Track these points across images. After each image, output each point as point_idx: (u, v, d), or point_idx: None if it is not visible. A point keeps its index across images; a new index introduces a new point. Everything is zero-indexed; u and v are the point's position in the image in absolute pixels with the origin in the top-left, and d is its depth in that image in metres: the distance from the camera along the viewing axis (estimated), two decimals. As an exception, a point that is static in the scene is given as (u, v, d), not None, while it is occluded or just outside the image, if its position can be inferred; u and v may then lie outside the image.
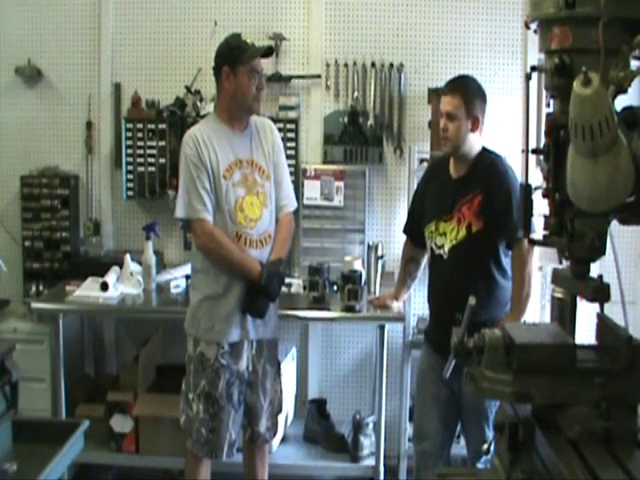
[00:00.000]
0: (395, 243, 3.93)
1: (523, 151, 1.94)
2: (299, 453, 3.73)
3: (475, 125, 2.87)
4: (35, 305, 3.56)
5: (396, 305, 3.37)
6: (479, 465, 2.69)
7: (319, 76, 3.98)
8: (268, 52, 3.01)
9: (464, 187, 2.89)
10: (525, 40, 3.86)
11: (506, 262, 2.88)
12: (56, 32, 4.09)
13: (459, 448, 3.27)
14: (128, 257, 3.69)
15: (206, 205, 2.87)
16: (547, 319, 1.94)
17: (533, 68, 1.63)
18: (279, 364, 3.21)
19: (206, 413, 2.94)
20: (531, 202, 1.68)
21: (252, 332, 2.96)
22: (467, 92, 2.88)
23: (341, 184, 3.95)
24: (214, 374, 2.93)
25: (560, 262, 1.64)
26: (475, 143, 2.91)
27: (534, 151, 1.66)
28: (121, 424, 3.61)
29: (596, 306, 1.61)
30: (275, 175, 3.04)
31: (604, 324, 1.63)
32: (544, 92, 1.63)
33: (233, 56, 2.87)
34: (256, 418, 3.06)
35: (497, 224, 2.80)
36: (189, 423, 2.98)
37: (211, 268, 2.93)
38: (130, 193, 4.01)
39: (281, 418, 3.32)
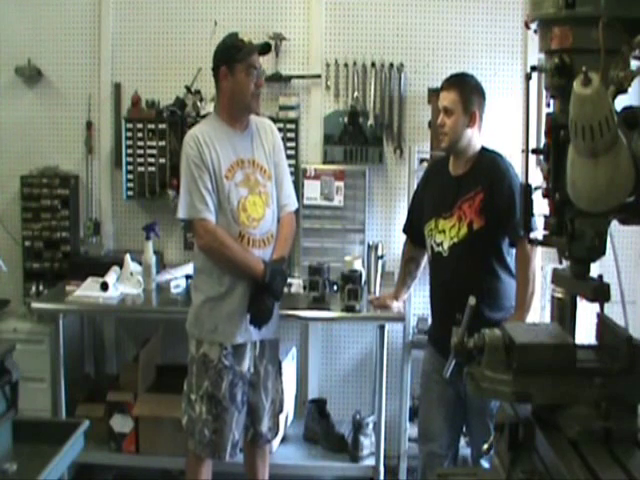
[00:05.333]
0: (395, 243, 3.93)
1: (523, 151, 1.94)
2: (299, 453, 3.73)
3: (472, 121, 2.88)
4: (35, 305, 3.56)
5: (396, 305, 3.37)
6: (485, 464, 2.69)
7: (319, 76, 3.98)
8: (265, 49, 3.00)
9: (465, 185, 2.89)
10: (525, 40, 3.86)
11: (509, 260, 2.88)
12: (56, 32, 4.09)
13: (460, 448, 3.26)
14: (128, 257, 3.69)
15: (208, 205, 2.87)
16: (547, 319, 1.94)
17: (533, 68, 1.63)
18: (280, 364, 3.22)
19: (209, 414, 2.94)
20: (531, 202, 1.68)
21: (254, 333, 2.96)
22: (464, 87, 2.89)
23: (341, 184, 3.95)
24: (217, 375, 2.92)
25: (560, 262, 1.64)
26: (474, 140, 2.92)
27: (534, 151, 1.66)
28: (121, 424, 3.61)
29: (596, 306, 1.61)
30: (276, 175, 3.04)
31: (604, 324, 1.63)
32: (544, 92, 1.63)
33: (230, 55, 2.87)
34: (258, 418, 3.06)
35: (499, 222, 2.81)
36: (192, 424, 2.98)
37: (214, 268, 2.93)
38: (130, 193, 4.01)
39: (281, 418, 3.32)
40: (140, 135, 3.96)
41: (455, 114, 2.86)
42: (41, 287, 3.93)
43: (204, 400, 2.94)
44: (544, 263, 3.43)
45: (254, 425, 3.07)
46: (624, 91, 1.45)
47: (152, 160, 3.97)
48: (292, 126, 3.96)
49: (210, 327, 2.93)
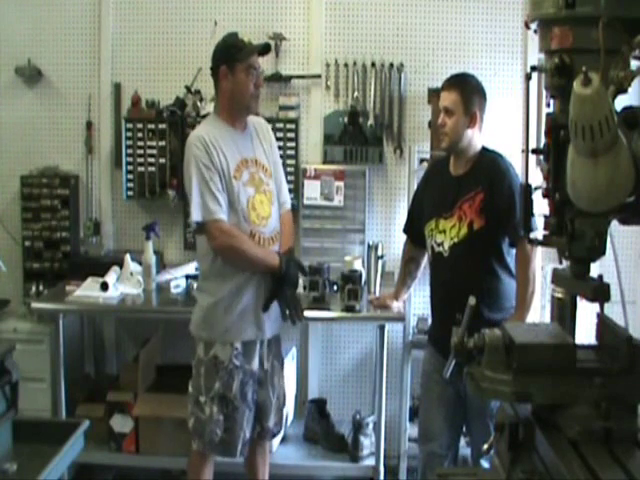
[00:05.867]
0: (395, 243, 3.93)
1: (523, 151, 1.94)
2: (299, 453, 3.73)
3: (473, 121, 2.88)
4: (35, 305, 3.56)
5: (396, 305, 3.37)
6: (485, 464, 2.69)
7: (319, 76, 3.98)
8: (265, 50, 3.01)
9: (465, 185, 2.89)
10: (525, 40, 3.86)
11: (509, 260, 2.88)
12: (56, 32, 4.09)
13: (461, 447, 3.26)
14: (128, 257, 3.69)
15: (221, 205, 2.86)
16: (547, 319, 1.94)
17: (533, 68, 1.63)
18: (283, 359, 3.23)
19: (220, 414, 2.93)
20: (531, 202, 1.68)
21: (267, 330, 2.97)
22: (465, 88, 2.89)
23: (341, 184, 3.95)
24: (228, 376, 2.91)
25: (560, 262, 1.64)
26: (474, 141, 2.92)
27: (534, 151, 1.66)
28: (121, 424, 3.61)
29: (596, 306, 1.61)
30: (275, 173, 3.05)
31: (604, 324, 1.63)
32: (544, 92, 1.63)
33: (230, 54, 2.87)
34: (265, 414, 3.07)
35: (500, 222, 2.81)
36: (200, 425, 2.96)
37: (223, 269, 2.91)
38: (130, 193, 4.01)
39: (284, 412, 3.32)
40: (140, 135, 3.96)
41: (456, 115, 2.86)
42: (41, 287, 3.93)
43: (215, 401, 2.93)
44: (544, 263, 3.43)
45: (261, 421, 3.07)
46: (624, 91, 1.44)
47: (152, 160, 3.96)
48: (292, 126, 3.96)
49: (222, 328, 2.92)
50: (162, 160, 3.96)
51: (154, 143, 3.95)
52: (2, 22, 4.11)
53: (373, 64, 3.95)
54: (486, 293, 2.78)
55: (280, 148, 3.48)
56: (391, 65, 3.95)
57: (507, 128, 3.77)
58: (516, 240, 2.79)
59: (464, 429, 3.07)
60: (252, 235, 2.92)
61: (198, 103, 3.92)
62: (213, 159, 2.85)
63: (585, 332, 1.80)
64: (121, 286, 3.58)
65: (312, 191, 3.95)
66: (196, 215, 2.86)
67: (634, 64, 1.48)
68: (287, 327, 3.06)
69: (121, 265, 3.67)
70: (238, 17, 4.00)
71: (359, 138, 3.95)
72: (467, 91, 2.88)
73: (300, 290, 3.56)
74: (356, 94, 3.97)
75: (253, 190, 2.94)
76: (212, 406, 2.93)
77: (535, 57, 3.57)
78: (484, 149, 2.95)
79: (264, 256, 2.92)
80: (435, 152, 3.61)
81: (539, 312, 3.61)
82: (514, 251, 2.87)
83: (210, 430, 2.94)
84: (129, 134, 3.97)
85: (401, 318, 3.44)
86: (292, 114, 3.97)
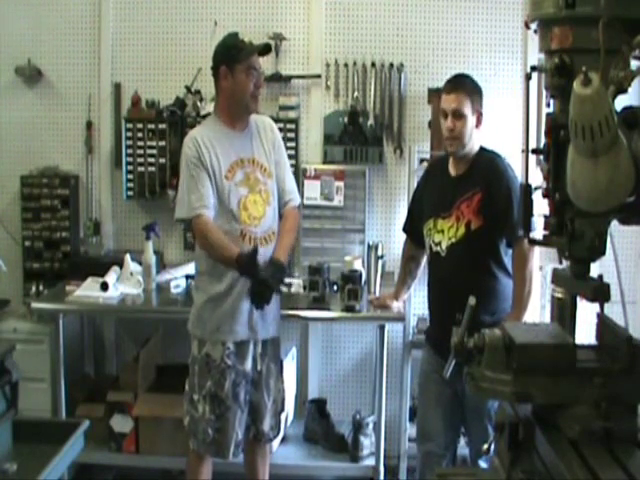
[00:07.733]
0: (395, 243, 3.93)
1: (523, 151, 1.94)
2: (299, 453, 3.73)
3: (479, 120, 2.89)
4: (35, 305, 3.56)
5: (396, 305, 3.37)
6: (483, 464, 2.69)
7: (319, 76, 3.98)
8: (265, 50, 3.02)
9: (463, 185, 2.89)
10: (525, 40, 3.86)
11: (507, 260, 2.88)
12: (56, 32, 4.09)
13: (460, 448, 3.26)
14: (128, 257, 3.69)
15: (204, 202, 2.87)
16: (547, 319, 1.94)
17: (533, 68, 1.63)
18: (281, 362, 3.22)
19: (212, 413, 2.94)
20: (531, 202, 1.68)
21: (259, 332, 2.97)
22: (469, 88, 2.91)
23: (341, 184, 3.95)
24: (220, 375, 2.93)
25: (560, 262, 1.64)
26: (476, 141, 2.92)
27: (534, 151, 1.65)
28: (121, 424, 3.61)
29: (596, 306, 1.61)
30: (277, 172, 3.05)
31: (604, 324, 1.63)
32: (544, 92, 1.63)
33: (230, 55, 2.88)
34: (260, 417, 3.07)
35: (497, 222, 2.81)
36: (194, 424, 2.98)
37: (215, 268, 2.93)
38: (130, 193, 4.01)
39: (282, 417, 3.32)
40: (140, 135, 3.96)
41: (465, 116, 2.86)
42: (41, 287, 3.93)
43: (207, 400, 2.94)
44: (544, 263, 3.43)
45: (256, 424, 3.08)
46: (624, 91, 1.44)
47: (152, 160, 3.97)
48: (292, 126, 3.96)
49: (213, 326, 2.94)
50: (162, 160, 3.96)
51: (154, 143, 3.95)
52: (2, 22, 4.11)
53: (373, 64, 3.95)
54: (483, 293, 2.76)
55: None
56: (391, 65, 3.95)
57: (507, 128, 3.77)
58: (513, 240, 2.79)
59: (463, 429, 3.07)
60: (242, 235, 2.92)
61: (198, 103, 3.92)
62: (203, 158, 2.87)
63: (585, 332, 1.80)
64: (121, 286, 3.58)
65: (312, 191, 3.95)
66: (179, 212, 2.92)
67: (634, 64, 1.48)
68: (287, 328, 3.06)
69: (121, 265, 3.67)
70: (238, 17, 4.00)
71: (359, 138, 3.95)
72: (471, 91, 2.90)
73: (300, 290, 3.58)
74: (356, 94, 3.97)
75: (247, 190, 2.94)
76: (204, 405, 2.94)
77: (535, 57, 3.57)
78: (482, 149, 2.95)
79: (224, 245, 2.86)
80: (434, 152, 3.62)
81: (539, 312, 3.61)
82: (511, 252, 2.87)
83: (203, 429, 2.95)
84: (129, 134, 3.97)
85: (401, 318, 3.44)
86: (292, 114, 3.97)
